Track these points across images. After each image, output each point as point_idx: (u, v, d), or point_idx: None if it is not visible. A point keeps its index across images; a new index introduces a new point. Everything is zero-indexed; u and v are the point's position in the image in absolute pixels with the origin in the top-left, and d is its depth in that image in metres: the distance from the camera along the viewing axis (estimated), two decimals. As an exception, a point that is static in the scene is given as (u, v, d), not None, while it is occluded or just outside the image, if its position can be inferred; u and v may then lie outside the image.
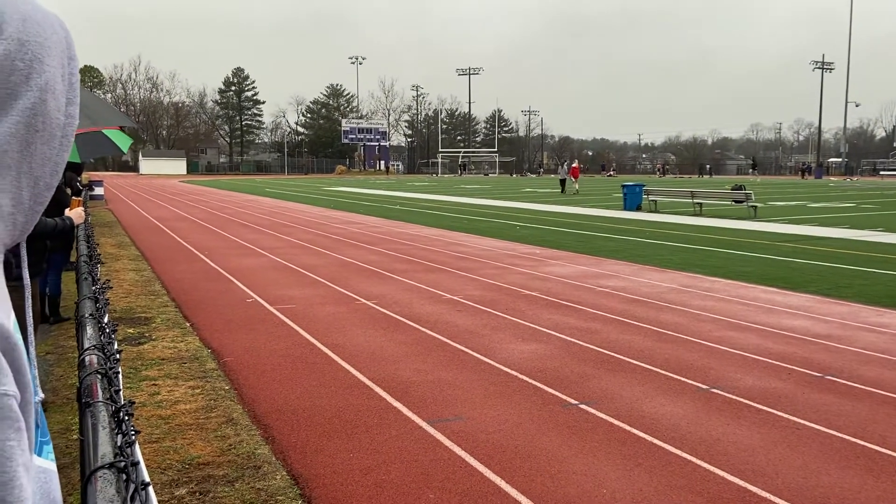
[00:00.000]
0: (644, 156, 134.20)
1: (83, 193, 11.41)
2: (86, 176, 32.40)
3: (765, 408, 5.17)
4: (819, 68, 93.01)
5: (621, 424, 4.81)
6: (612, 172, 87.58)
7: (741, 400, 5.33)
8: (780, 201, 30.85)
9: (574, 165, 41.42)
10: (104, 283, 3.21)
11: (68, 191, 8.14)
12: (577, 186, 39.28)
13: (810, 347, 6.84)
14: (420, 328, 7.44)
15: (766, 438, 4.62)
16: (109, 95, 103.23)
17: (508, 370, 6.00)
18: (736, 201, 23.69)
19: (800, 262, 12.57)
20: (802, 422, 4.92)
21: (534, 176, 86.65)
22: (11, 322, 0.80)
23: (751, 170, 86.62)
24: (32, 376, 0.84)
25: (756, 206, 22.55)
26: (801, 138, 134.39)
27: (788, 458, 4.34)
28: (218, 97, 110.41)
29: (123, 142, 7.29)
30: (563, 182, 39.55)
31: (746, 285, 10.22)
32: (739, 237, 16.42)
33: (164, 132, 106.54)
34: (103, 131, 6.86)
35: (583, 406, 5.16)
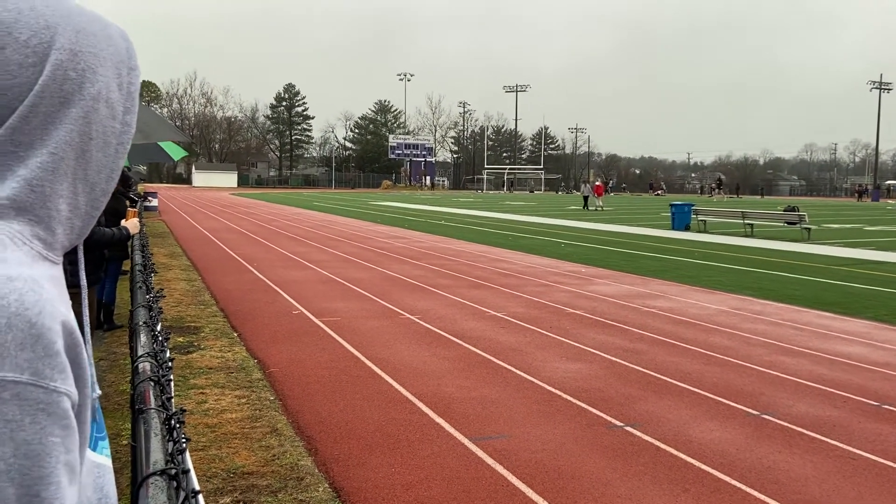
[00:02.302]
0: (693, 175, 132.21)
1: (138, 204, 11.72)
2: (141, 187, 33.34)
3: (818, 436, 5.01)
4: (877, 88, 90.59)
5: (668, 448, 4.71)
6: (659, 192, 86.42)
7: (794, 427, 5.17)
8: (835, 224, 30.02)
9: (598, 183, 44.20)
10: (158, 292, 3.28)
11: (126, 202, 8.38)
12: (600, 203, 41.26)
13: (867, 375, 6.61)
14: (463, 344, 7.42)
15: (819, 468, 4.47)
16: (166, 110, 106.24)
17: (552, 389, 5.94)
18: (789, 223, 23.13)
19: (856, 286, 12.18)
20: (858, 451, 4.74)
21: (579, 193, 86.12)
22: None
23: (716, 188, 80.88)
24: (90, 374, 0.86)
25: (810, 228, 21.98)
26: (857, 160, 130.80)
27: (842, 488, 4.19)
28: (269, 112, 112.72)
29: (175, 152, 7.46)
30: (586, 199, 41.93)
31: (800, 309, 9.94)
32: (792, 259, 16.01)
33: (217, 146, 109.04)
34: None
35: (628, 428, 5.07)
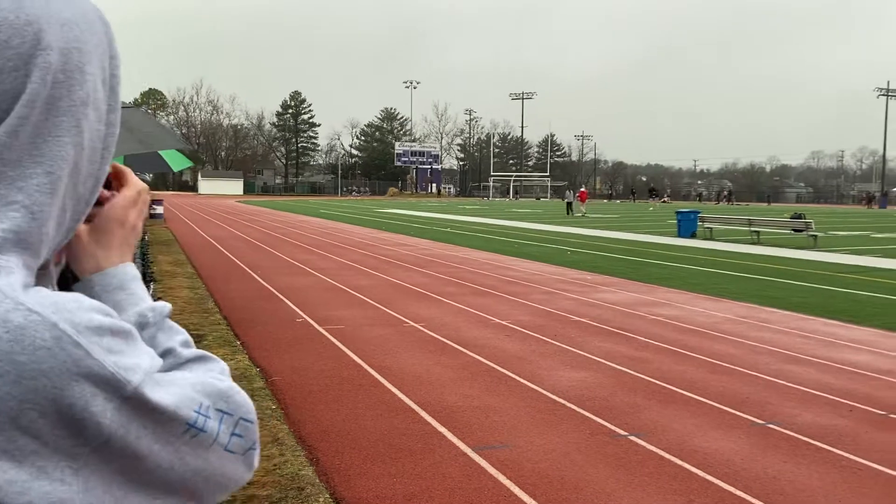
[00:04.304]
0: (699, 182, 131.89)
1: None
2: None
3: (825, 446, 4.96)
4: (884, 95, 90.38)
5: (672, 458, 4.67)
6: (665, 199, 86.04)
7: (799, 437, 5.12)
8: (842, 231, 29.87)
9: (582, 190, 46.13)
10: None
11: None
12: (584, 209, 42.82)
13: (874, 384, 6.55)
14: (467, 352, 7.39)
15: (825, 479, 4.42)
16: (172, 117, 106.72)
17: (556, 398, 5.90)
18: (795, 230, 23.04)
19: (863, 294, 12.10)
20: (865, 462, 4.69)
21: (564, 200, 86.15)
22: None
23: (651, 197, 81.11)
24: None
25: (816, 236, 21.88)
26: (864, 167, 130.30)
27: (849, 499, 4.13)
28: (275, 120, 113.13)
29: (177, 161, 7.31)
30: (569, 205, 43.26)
31: (806, 317, 9.88)
32: (799, 267, 15.92)
33: (223, 153, 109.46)
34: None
35: (632, 437, 5.03)
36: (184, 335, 0.81)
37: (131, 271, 0.81)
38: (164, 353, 0.77)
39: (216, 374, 0.77)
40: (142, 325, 0.77)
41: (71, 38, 0.70)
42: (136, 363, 0.67)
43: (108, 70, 0.75)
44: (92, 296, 0.74)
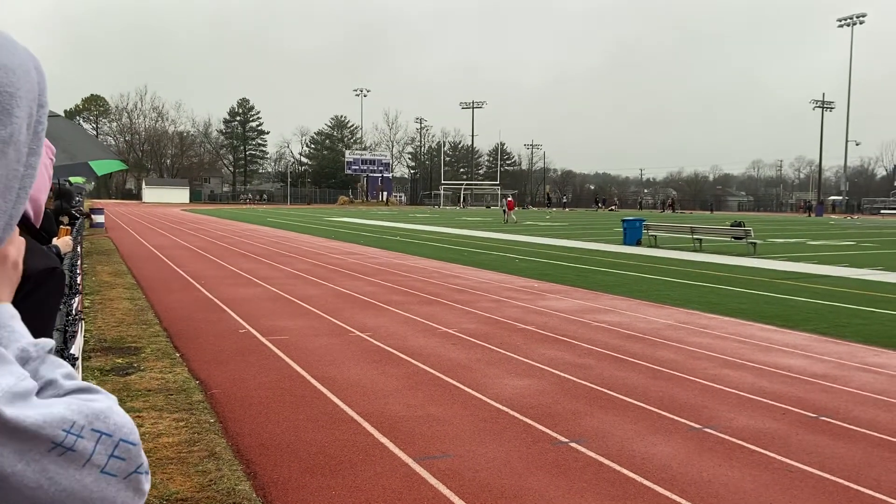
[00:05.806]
0: (646, 191, 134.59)
1: (78, 222, 11.38)
2: (87, 203, 32.49)
3: (757, 449, 5.09)
4: (819, 107, 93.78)
5: (611, 464, 4.72)
6: (613, 207, 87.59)
7: (734, 440, 5.25)
8: (779, 238, 30.82)
9: (509, 199, 49.82)
10: (76, 316, 3.17)
11: (64, 219, 8.13)
12: (513, 217, 46.24)
13: (806, 387, 6.76)
14: (413, 361, 7.37)
15: (757, 481, 4.53)
16: (115, 124, 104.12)
17: (500, 406, 5.92)
18: (735, 237, 23.67)
19: (798, 299, 12.50)
20: (795, 464, 4.83)
21: (534, 209, 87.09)
22: None
23: (548, 205, 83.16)
24: None
25: (755, 243, 22.52)
26: (801, 176, 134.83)
27: (780, 501, 4.25)
28: (223, 127, 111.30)
29: (101, 166, 7.10)
30: (505, 212, 46.70)
31: (744, 322, 10.15)
32: (738, 274, 16.36)
33: (169, 161, 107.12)
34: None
35: (573, 444, 5.08)
36: (66, 368, 0.81)
37: (10, 310, 0.84)
38: (46, 384, 0.78)
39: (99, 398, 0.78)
40: (24, 360, 0.78)
41: (5, 82, 0.74)
42: None
43: (35, 116, 0.78)
44: None
